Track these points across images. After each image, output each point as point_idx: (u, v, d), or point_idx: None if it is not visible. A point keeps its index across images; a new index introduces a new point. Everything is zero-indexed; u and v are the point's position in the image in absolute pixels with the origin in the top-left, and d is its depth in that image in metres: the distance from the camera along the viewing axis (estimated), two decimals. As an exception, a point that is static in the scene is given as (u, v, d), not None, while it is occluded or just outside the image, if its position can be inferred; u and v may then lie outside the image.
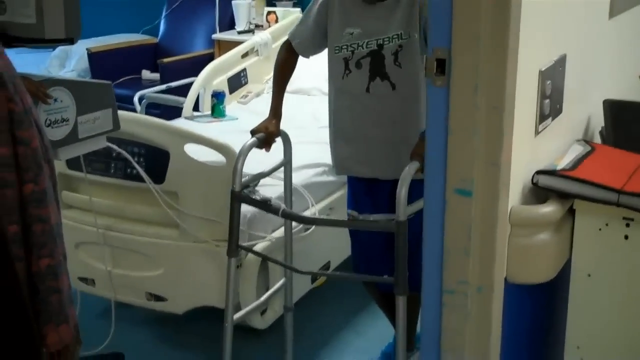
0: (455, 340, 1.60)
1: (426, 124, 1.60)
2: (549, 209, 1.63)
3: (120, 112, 2.32)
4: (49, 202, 1.59)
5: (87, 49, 5.15)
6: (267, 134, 2.43)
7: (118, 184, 2.79)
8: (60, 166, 2.68)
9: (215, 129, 3.61)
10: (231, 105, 4.16)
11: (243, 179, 2.30)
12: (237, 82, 4.31)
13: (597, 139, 2.02)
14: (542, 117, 1.66)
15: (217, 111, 3.95)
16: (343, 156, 2.52)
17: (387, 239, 2.45)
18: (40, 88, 1.96)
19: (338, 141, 2.52)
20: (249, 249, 2.55)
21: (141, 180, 2.69)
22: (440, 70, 1.48)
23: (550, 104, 1.68)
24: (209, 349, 2.90)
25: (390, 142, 2.40)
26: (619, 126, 1.94)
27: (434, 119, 1.55)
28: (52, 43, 2.05)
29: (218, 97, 3.97)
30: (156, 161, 2.69)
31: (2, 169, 1.48)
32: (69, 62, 5.41)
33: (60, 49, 5.43)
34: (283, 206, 2.26)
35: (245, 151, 2.31)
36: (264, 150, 2.45)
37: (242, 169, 2.27)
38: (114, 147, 2.58)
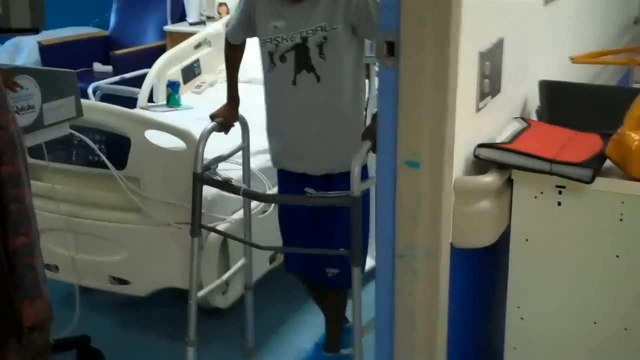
0: (407, 301, 1.74)
1: (377, 102, 1.73)
2: (490, 179, 1.75)
3: (82, 101, 2.40)
4: (24, 184, 1.67)
5: (38, 42, 5.15)
6: (225, 119, 2.54)
7: (80, 171, 2.85)
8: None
9: (172, 117, 3.68)
10: (185, 95, 4.22)
11: (203, 162, 2.40)
12: (190, 72, 4.38)
13: (534, 117, 2.15)
14: (482, 95, 1.79)
15: (172, 101, 4.02)
16: (276, 150, 2.58)
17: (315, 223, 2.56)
18: (8, 76, 2.03)
19: (271, 136, 2.58)
20: (212, 229, 2.64)
21: (103, 166, 2.75)
22: (390, 52, 1.61)
23: (490, 83, 1.81)
24: (173, 329, 2.97)
25: (317, 136, 2.44)
26: (553, 104, 2.07)
27: (384, 98, 1.67)
28: (16, 33, 2.11)
29: (173, 87, 4.03)
30: (117, 148, 2.76)
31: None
32: (19, 56, 5.39)
33: (10, 42, 5.41)
34: (244, 186, 2.37)
35: (205, 135, 2.41)
36: (222, 133, 2.55)
37: (203, 152, 2.36)
38: (77, 134, 2.65)
